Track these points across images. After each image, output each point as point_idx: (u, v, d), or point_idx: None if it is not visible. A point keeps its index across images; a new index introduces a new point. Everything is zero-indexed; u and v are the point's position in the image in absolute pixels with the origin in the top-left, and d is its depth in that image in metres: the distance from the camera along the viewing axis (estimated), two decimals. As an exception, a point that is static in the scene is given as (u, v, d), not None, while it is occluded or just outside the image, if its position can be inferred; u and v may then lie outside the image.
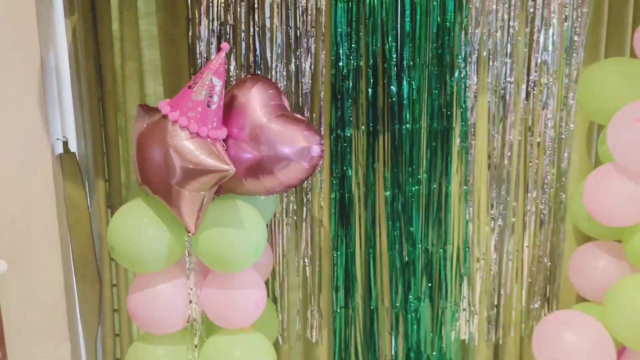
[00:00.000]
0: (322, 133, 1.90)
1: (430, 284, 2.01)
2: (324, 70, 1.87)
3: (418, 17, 1.83)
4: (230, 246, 1.48)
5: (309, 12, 1.81)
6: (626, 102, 1.57)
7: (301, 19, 1.82)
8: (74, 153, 2.00)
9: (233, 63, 1.85)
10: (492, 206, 1.96)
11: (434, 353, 2.05)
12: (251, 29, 1.83)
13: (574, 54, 1.87)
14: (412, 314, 2.02)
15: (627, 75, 1.62)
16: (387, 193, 1.95)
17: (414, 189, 1.94)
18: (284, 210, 1.97)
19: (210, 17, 1.81)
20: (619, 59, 1.74)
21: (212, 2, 1.82)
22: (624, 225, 1.65)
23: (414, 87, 1.87)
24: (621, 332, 1.61)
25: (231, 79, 1.84)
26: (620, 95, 1.60)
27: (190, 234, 1.48)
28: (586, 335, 1.63)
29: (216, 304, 1.57)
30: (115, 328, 2.14)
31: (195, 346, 1.60)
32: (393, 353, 2.07)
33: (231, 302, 1.56)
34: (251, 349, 1.59)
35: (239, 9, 1.82)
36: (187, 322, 1.58)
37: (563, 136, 1.92)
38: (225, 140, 1.49)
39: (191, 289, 1.56)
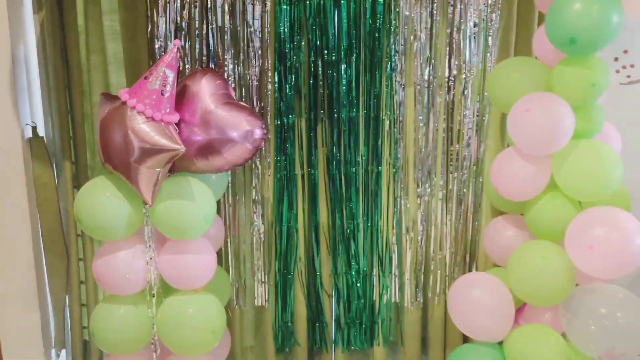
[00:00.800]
0: (268, 120, 2.13)
1: (365, 254, 2.26)
2: (269, 65, 2.10)
3: (352, 18, 2.07)
4: (182, 216, 1.69)
5: (256, 13, 2.03)
6: (523, 96, 1.84)
7: (249, 19, 2.04)
8: (42, 137, 2.16)
9: (188, 57, 2.06)
10: (418, 185, 2.22)
11: (370, 314, 2.31)
12: (204, 27, 2.04)
13: (488, 54, 2.14)
14: (350, 280, 2.27)
15: (525, 72, 1.88)
16: (327, 173, 2.19)
17: (351, 169, 2.19)
18: (236, 189, 2.19)
19: (168, 16, 2.02)
20: (520, 58, 2.01)
21: (169, 2, 2.02)
22: (523, 200, 1.93)
23: (349, 79, 2.11)
24: (519, 290, 1.89)
25: (187, 71, 2.05)
26: (519, 90, 1.86)
27: (147, 206, 1.69)
28: (490, 293, 1.90)
29: (172, 268, 1.79)
30: (82, 299, 2.32)
31: (153, 303, 1.81)
32: (334, 315, 2.32)
33: (185, 266, 1.78)
34: (203, 307, 1.80)
35: (193, 9, 2.03)
36: (147, 284, 1.80)
37: (479, 125, 2.19)
38: (178, 125, 1.70)
39: (149, 255, 1.77)
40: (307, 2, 2.03)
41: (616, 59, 1.76)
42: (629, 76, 1.79)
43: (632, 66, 1.76)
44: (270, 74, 2.10)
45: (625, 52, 1.74)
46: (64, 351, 2.40)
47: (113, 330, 1.79)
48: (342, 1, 2.04)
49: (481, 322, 1.91)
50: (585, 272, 1.78)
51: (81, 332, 2.33)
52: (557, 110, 1.75)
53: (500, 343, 1.95)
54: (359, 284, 2.28)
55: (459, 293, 1.94)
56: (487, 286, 1.92)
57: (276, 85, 2.10)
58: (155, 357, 1.85)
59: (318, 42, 2.08)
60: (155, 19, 2.02)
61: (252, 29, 2.03)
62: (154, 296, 1.80)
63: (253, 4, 2.01)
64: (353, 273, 2.27)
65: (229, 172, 2.11)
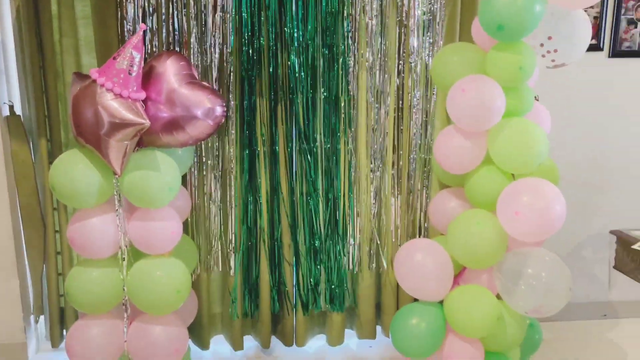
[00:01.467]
0: (231, 100, 2.28)
1: (324, 224, 2.44)
2: (233, 48, 2.25)
3: (311, 5, 2.23)
4: (148, 186, 1.84)
5: (219, 1, 2.18)
6: (462, 77, 2.02)
7: (212, 6, 2.18)
8: (19, 116, 2.29)
9: (155, 40, 2.20)
10: (371, 161, 2.40)
11: (328, 281, 2.49)
12: (171, 13, 2.18)
13: (435, 40, 2.32)
14: (310, 249, 2.45)
15: (463, 56, 2.06)
16: (289, 149, 2.36)
17: (310, 146, 2.36)
18: (203, 164, 2.35)
19: (136, 1, 2.15)
20: (460, 43, 2.19)
21: (138, -10, 2.16)
22: (462, 172, 2.12)
23: (307, 63, 2.27)
24: (457, 254, 2.08)
25: (154, 53, 2.20)
26: (458, 72, 2.03)
27: (117, 176, 1.85)
28: (431, 256, 2.09)
29: (141, 234, 1.94)
30: (58, 268, 2.46)
31: (124, 266, 1.97)
32: (294, 281, 2.50)
33: (152, 232, 1.93)
34: (169, 270, 1.96)
35: (161, -3, 2.17)
36: (118, 249, 1.95)
37: (427, 106, 2.38)
38: (145, 102, 1.84)
39: (119, 222, 1.92)
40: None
41: (542, 45, 1.95)
42: (553, 60, 1.99)
43: (555, 51, 1.95)
44: (233, 57, 2.25)
45: (550, 38, 1.93)
46: (42, 317, 2.55)
47: (87, 291, 1.93)
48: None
49: (423, 283, 2.10)
50: (514, 237, 1.98)
51: (58, 299, 2.47)
52: (489, 91, 1.93)
53: (441, 302, 2.15)
54: (317, 253, 2.46)
55: (404, 257, 2.13)
56: (429, 251, 2.11)
57: (239, 67, 2.26)
58: (126, 316, 2.01)
59: (278, 28, 2.23)
60: (124, 4, 2.16)
61: (216, 14, 2.18)
62: (124, 260, 1.96)
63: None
64: (312, 242, 2.45)
65: (195, 147, 2.27)
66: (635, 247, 1.64)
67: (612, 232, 1.81)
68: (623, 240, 1.71)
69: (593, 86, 2.63)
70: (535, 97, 2.41)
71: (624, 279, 2.54)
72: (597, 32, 2.57)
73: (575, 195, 2.69)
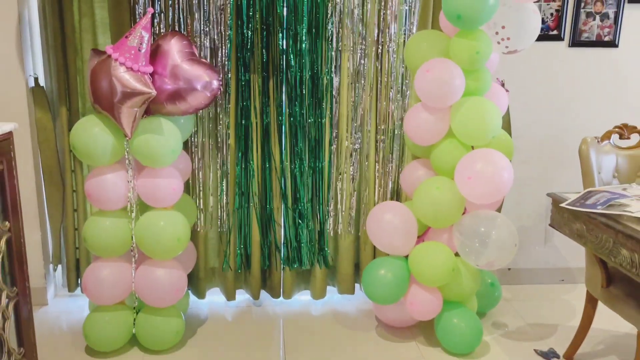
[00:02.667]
0: (229, 76, 2.57)
1: (309, 190, 2.74)
2: (231, 31, 2.53)
3: (299, -6, 2.51)
4: (154, 148, 2.14)
5: (219, -12, 2.47)
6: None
7: (213, -7, 2.47)
8: (42, 87, 2.59)
9: (163, 23, 2.49)
10: (352, 135, 2.69)
11: (312, 243, 2.79)
12: (177, -2, 2.48)
13: (411, 26, 2.59)
14: (296, 212, 2.75)
15: (431, 42, 2.34)
16: (279, 122, 2.64)
17: (297, 120, 2.65)
18: (203, 133, 2.65)
19: (147, -12, 2.44)
20: (428, 30, 2.46)
21: (148, -23, 2.45)
22: (429, 144, 2.40)
23: (294, 44, 2.55)
24: (421, 214, 2.37)
25: (161, 32, 2.49)
26: (426, 56, 2.32)
27: (127, 139, 2.15)
28: (398, 216, 2.39)
29: (147, 189, 2.24)
30: (75, 223, 2.77)
31: (133, 219, 2.27)
32: (283, 241, 2.80)
33: (157, 188, 2.23)
34: (171, 221, 2.26)
35: (167, -18, 2.46)
36: (128, 202, 2.26)
37: (403, 86, 2.66)
38: (152, 75, 2.13)
39: (129, 178, 2.23)
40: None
41: (497, 33, 2.22)
42: (507, 47, 2.26)
43: (508, 39, 2.22)
44: (232, 38, 2.53)
45: (503, 27, 2.20)
46: (59, 267, 2.87)
47: (101, 237, 2.24)
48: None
49: (391, 239, 2.40)
50: (468, 199, 2.27)
51: (75, 251, 2.78)
52: (450, 72, 2.21)
53: (407, 257, 2.45)
54: (303, 216, 2.75)
55: (375, 216, 2.42)
56: (396, 211, 2.41)
57: (236, 47, 2.54)
58: (134, 261, 2.32)
59: (270, 14, 2.52)
60: (136, -10, 2.45)
61: (218, 7, 2.47)
62: (133, 211, 2.27)
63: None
64: (298, 206, 2.75)
65: (196, 117, 2.56)
66: (562, 205, 1.92)
67: (548, 194, 2.08)
68: (555, 200, 1.99)
69: (555, 72, 2.90)
70: (502, 81, 2.70)
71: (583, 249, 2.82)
72: (558, 23, 2.82)
73: (536, 168, 2.97)
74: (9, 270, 1.44)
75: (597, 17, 2.84)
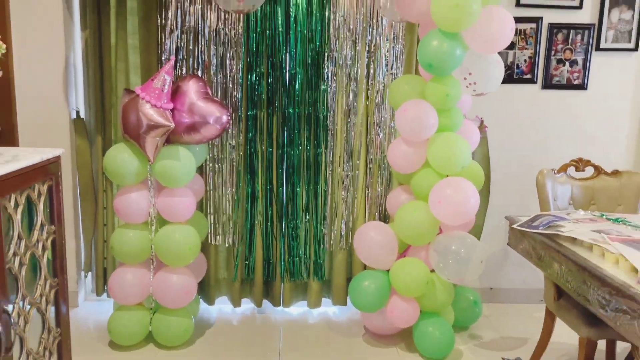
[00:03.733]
0: (240, 112, 2.96)
1: (308, 211, 3.08)
2: (242, 74, 2.94)
3: (300, 42, 2.91)
4: (172, 171, 2.53)
5: (233, 37, 2.88)
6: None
7: (228, 41, 2.89)
8: (83, 118, 3.02)
9: (184, 67, 2.91)
10: (345, 163, 3.04)
11: (309, 258, 3.12)
12: (197, 47, 2.89)
13: (397, 71, 2.96)
14: (295, 230, 3.09)
15: (411, 85, 2.68)
16: (281, 151, 3.02)
17: (296, 150, 3.01)
18: (215, 160, 3.03)
19: (171, 38, 2.87)
20: (409, 76, 2.81)
21: (173, 30, 2.88)
22: (408, 172, 2.73)
23: (296, 86, 2.94)
24: (401, 234, 2.69)
25: (180, 74, 2.91)
26: (406, 97, 2.67)
27: (150, 163, 2.54)
28: (381, 234, 2.70)
29: (165, 206, 2.61)
30: (104, 236, 3.16)
31: (153, 231, 2.65)
32: (283, 256, 3.14)
33: (174, 205, 2.60)
34: (185, 233, 2.62)
35: (189, 34, 2.89)
36: (149, 216, 2.64)
37: (388, 121, 3.01)
38: (172, 111, 2.53)
39: (151, 197, 2.61)
40: (267, 32, 2.88)
41: (465, 78, 2.56)
42: (474, 90, 2.60)
43: (475, 83, 2.56)
44: (242, 81, 2.94)
45: (470, 74, 2.54)
46: (90, 273, 3.26)
47: (125, 246, 2.61)
48: (291, 32, 2.89)
49: (374, 254, 2.72)
50: (441, 221, 2.58)
51: (103, 261, 3.16)
52: (425, 112, 2.55)
53: (388, 271, 2.75)
54: (301, 233, 3.10)
55: (361, 234, 2.75)
56: (380, 230, 2.73)
57: (245, 88, 2.94)
58: (152, 267, 2.69)
59: (276, 59, 2.92)
60: (163, 40, 2.88)
61: (230, 54, 2.89)
62: (153, 225, 2.64)
63: (230, 33, 2.87)
64: (297, 225, 3.09)
65: (211, 146, 2.95)
66: (514, 226, 2.21)
67: (506, 217, 2.37)
68: (510, 222, 2.29)
69: (529, 111, 3.21)
70: (481, 119, 3.04)
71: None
72: (531, 68, 3.15)
73: (514, 196, 3.26)
74: (52, 264, 1.81)
75: (567, 63, 3.16)
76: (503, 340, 2.93)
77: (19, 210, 1.57)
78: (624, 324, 1.54)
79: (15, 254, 1.55)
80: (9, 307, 1.51)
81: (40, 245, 1.72)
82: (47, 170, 1.74)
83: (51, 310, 1.83)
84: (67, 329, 1.91)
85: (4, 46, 1.65)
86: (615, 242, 1.81)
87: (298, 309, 3.23)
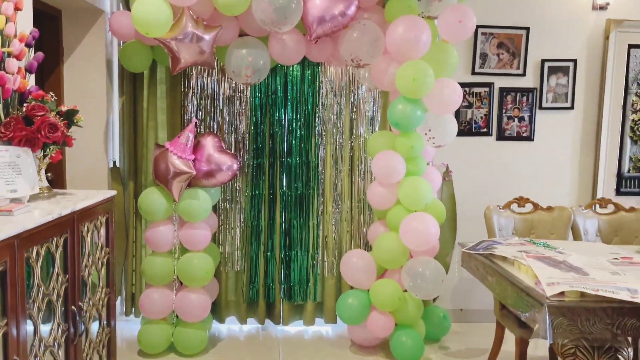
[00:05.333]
0: (247, 160, 3.58)
1: (303, 243, 3.65)
2: (249, 131, 3.58)
3: (295, 105, 3.55)
4: (193, 208, 3.11)
5: (241, 103, 3.54)
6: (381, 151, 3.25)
7: (237, 105, 3.54)
8: (118, 167, 3.64)
9: (203, 125, 3.56)
10: (333, 202, 3.63)
11: (305, 281, 3.66)
12: (213, 109, 3.55)
13: (375, 127, 3.59)
14: (293, 259, 3.65)
15: (385, 139, 3.30)
16: (281, 192, 3.62)
17: (293, 191, 3.61)
18: (227, 200, 3.63)
19: (192, 102, 3.53)
20: (382, 131, 3.43)
21: (194, 94, 3.54)
22: (384, 209, 3.31)
23: (292, 140, 3.57)
24: (378, 259, 3.25)
25: (201, 131, 3.54)
26: (381, 148, 3.27)
27: (175, 202, 3.14)
28: (362, 260, 3.26)
29: (186, 238, 3.20)
30: (132, 266, 3.72)
31: (176, 258, 3.22)
32: (281, 278, 3.68)
33: (194, 236, 3.18)
34: (202, 260, 3.18)
35: (207, 99, 3.54)
36: (173, 246, 3.21)
37: (368, 168, 3.61)
38: (194, 162, 3.15)
39: (175, 230, 3.19)
40: (269, 97, 3.53)
41: (426, 133, 3.18)
42: (434, 143, 3.21)
43: (434, 137, 3.17)
44: (249, 136, 3.57)
45: (429, 130, 3.16)
46: (119, 297, 3.80)
47: (153, 270, 3.18)
48: (288, 97, 3.54)
49: (357, 277, 3.27)
50: (409, 247, 3.14)
51: (131, 287, 3.71)
52: (394, 160, 3.15)
53: (368, 290, 3.29)
54: (297, 261, 3.65)
55: (346, 259, 3.31)
56: (360, 256, 3.29)
57: (252, 142, 3.58)
58: (175, 288, 3.24)
59: (274, 119, 3.56)
60: (186, 103, 3.54)
61: (239, 115, 3.54)
62: (176, 253, 3.22)
63: (239, 98, 3.53)
64: (294, 254, 3.65)
65: (223, 189, 3.55)
66: (463, 249, 2.76)
67: (459, 243, 2.91)
68: (462, 246, 2.84)
69: (486, 159, 3.82)
70: (447, 165, 3.64)
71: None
72: (487, 124, 3.78)
73: (477, 228, 3.80)
74: (106, 277, 2.37)
75: (516, 119, 3.79)
76: (468, 351, 3.43)
77: (89, 234, 2.16)
78: (528, 318, 2.08)
79: (86, 266, 2.12)
80: (81, 305, 2.07)
81: (99, 261, 2.30)
82: (106, 207, 2.34)
83: (105, 310, 2.39)
84: (114, 328, 2.46)
85: (82, 118, 2.28)
86: (530, 258, 2.37)
87: (295, 327, 3.75)
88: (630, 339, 2.24)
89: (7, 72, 2.03)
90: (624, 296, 1.92)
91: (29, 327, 1.67)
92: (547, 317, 1.91)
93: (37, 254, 1.71)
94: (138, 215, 3.57)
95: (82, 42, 3.44)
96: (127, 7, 3.33)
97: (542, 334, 1.91)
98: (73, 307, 1.98)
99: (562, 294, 1.97)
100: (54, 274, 1.84)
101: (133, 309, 3.71)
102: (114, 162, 3.62)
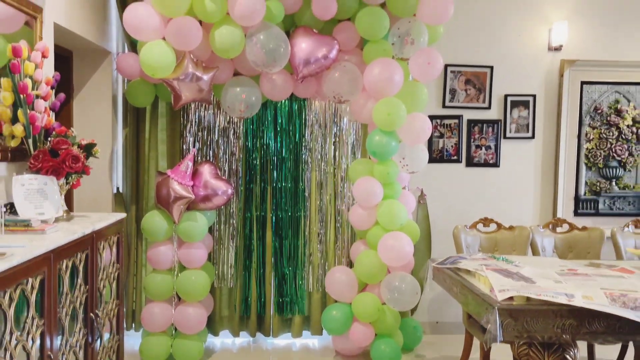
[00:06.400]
0: (240, 185, 3.90)
1: (291, 260, 3.95)
2: (242, 159, 3.91)
3: (284, 135, 3.90)
4: (191, 229, 3.41)
5: (234, 134, 3.88)
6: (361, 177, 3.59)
7: (231, 135, 3.88)
8: (122, 193, 3.94)
9: (200, 155, 3.88)
10: (319, 223, 3.95)
11: (293, 296, 3.95)
12: (210, 139, 3.88)
13: (356, 155, 3.94)
14: (282, 276, 3.95)
15: (364, 166, 3.64)
16: (271, 215, 3.93)
17: (282, 213, 3.93)
18: (221, 222, 3.93)
19: (190, 134, 3.86)
20: (362, 159, 3.78)
21: (192, 126, 3.87)
22: (364, 229, 3.64)
23: (282, 167, 3.91)
24: (359, 274, 3.56)
25: (199, 160, 3.86)
26: (360, 174, 3.62)
27: (175, 224, 3.44)
28: (345, 275, 3.57)
29: (185, 256, 3.49)
30: (133, 284, 3.98)
31: (175, 275, 3.50)
32: (272, 294, 3.97)
33: (191, 255, 3.47)
34: (198, 276, 3.46)
35: (204, 130, 3.88)
36: (172, 264, 3.50)
37: (350, 192, 3.95)
38: (192, 187, 3.46)
39: (174, 249, 3.48)
40: (260, 129, 3.88)
41: (400, 161, 3.53)
42: (408, 169, 3.56)
43: (407, 165, 3.52)
44: (242, 164, 3.90)
45: (403, 158, 3.51)
46: (121, 313, 4.04)
47: (154, 286, 3.45)
48: (278, 128, 3.89)
49: (340, 291, 3.57)
50: (386, 264, 3.46)
51: (132, 303, 3.96)
52: (371, 185, 3.49)
53: (351, 303, 3.59)
54: (286, 278, 3.95)
55: (330, 275, 3.61)
56: (343, 272, 3.60)
57: (244, 168, 3.90)
58: (174, 303, 3.51)
59: (265, 148, 3.90)
60: (185, 135, 3.87)
61: (233, 145, 3.87)
62: (175, 270, 3.50)
63: (234, 130, 3.87)
64: (283, 271, 3.95)
65: (218, 211, 3.86)
66: (433, 264, 3.09)
67: (430, 259, 3.24)
68: (432, 262, 3.16)
69: (457, 183, 4.18)
70: (421, 189, 3.98)
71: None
72: (457, 152, 4.15)
73: (451, 246, 4.15)
74: (116, 290, 2.65)
75: (483, 147, 4.17)
76: (442, 358, 3.72)
77: (105, 252, 2.45)
78: (484, 322, 2.40)
79: (101, 279, 2.41)
80: (98, 313, 2.35)
81: (111, 275, 2.59)
82: (117, 228, 2.64)
83: (115, 319, 2.67)
84: (122, 336, 2.73)
85: (99, 150, 2.59)
86: (488, 270, 2.70)
87: (285, 340, 4.02)
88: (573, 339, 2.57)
89: (36, 112, 2.35)
90: (562, 300, 2.25)
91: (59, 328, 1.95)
92: (498, 318, 2.23)
93: (66, 266, 2.01)
94: (139, 237, 3.86)
95: (91, 79, 3.77)
96: (132, 48, 3.68)
97: (493, 332, 2.23)
98: (92, 314, 2.26)
99: (511, 298, 2.30)
100: (77, 284, 2.14)
101: (133, 324, 3.96)
102: (118, 188, 3.92)
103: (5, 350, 1.55)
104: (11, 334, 1.58)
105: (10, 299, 1.58)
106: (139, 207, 3.91)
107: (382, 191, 3.50)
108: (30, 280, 1.69)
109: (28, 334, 1.70)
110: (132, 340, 3.85)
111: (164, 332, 3.54)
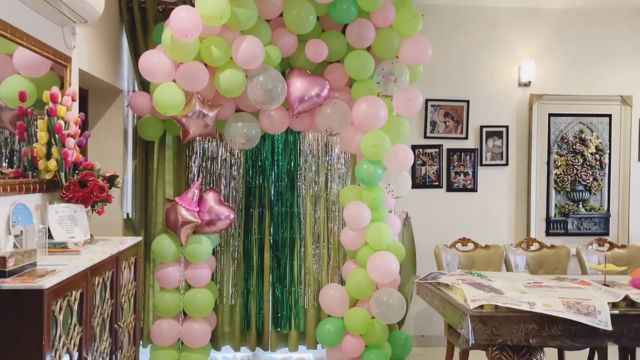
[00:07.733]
0: (241, 210, 4.22)
1: (288, 279, 4.25)
2: (242, 186, 4.24)
3: (280, 164, 4.25)
4: (197, 251, 3.72)
5: (235, 163, 4.22)
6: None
7: (233, 165, 4.22)
8: (131, 219, 4.24)
9: (205, 182, 4.22)
10: (313, 243, 4.27)
11: (289, 313, 4.24)
12: (213, 168, 4.22)
13: (346, 181, 4.29)
14: (279, 293, 4.24)
15: (354, 192, 3.98)
16: (269, 236, 4.25)
17: (280, 235, 4.25)
18: (223, 244, 4.24)
19: (196, 164, 4.20)
20: (352, 185, 4.13)
21: (197, 157, 4.21)
22: (354, 249, 3.96)
23: (278, 193, 4.25)
24: (351, 292, 3.86)
25: (204, 188, 4.19)
26: (350, 200, 3.96)
27: (182, 246, 3.74)
28: (337, 292, 3.87)
29: (191, 276, 3.78)
30: (142, 303, 4.25)
31: (182, 294, 3.79)
32: (270, 310, 4.25)
33: (197, 275, 3.77)
34: (203, 295, 3.75)
35: (208, 161, 4.22)
36: (180, 283, 3.79)
37: (340, 215, 4.29)
38: (198, 212, 3.78)
39: (181, 270, 3.78)
40: (259, 158, 4.23)
41: (386, 187, 3.88)
42: (393, 194, 3.91)
43: (393, 190, 3.87)
44: (242, 191, 4.24)
45: (389, 184, 3.86)
46: (129, 331, 4.30)
47: (163, 304, 3.74)
48: (275, 158, 4.24)
49: (333, 306, 3.87)
50: (375, 281, 3.77)
51: (140, 322, 4.23)
52: (360, 209, 3.83)
53: (343, 317, 3.89)
54: (283, 295, 4.25)
55: (324, 292, 3.92)
56: (336, 289, 3.91)
57: (245, 195, 4.24)
58: (181, 319, 3.79)
59: (263, 175, 4.24)
60: (190, 165, 4.21)
61: (234, 173, 4.22)
62: (182, 289, 3.79)
63: (235, 160, 4.22)
64: (280, 289, 4.25)
65: (220, 235, 4.18)
66: (416, 280, 3.41)
67: (413, 276, 3.56)
68: (416, 278, 3.49)
69: (439, 206, 4.53)
70: (406, 212, 4.32)
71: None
72: (438, 178, 4.52)
73: (428, 263, 4.48)
74: (134, 305, 2.94)
75: (462, 174, 4.54)
76: (427, 368, 4.02)
77: (125, 271, 2.76)
78: (459, 328, 2.72)
79: (122, 295, 2.71)
80: (120, 325, 2.64)
81: (130, 292, 2.89)
82: (135, 250, 2.95)
83: (131, 331, 2.95)
84: (138, 347, 3.01)
85: (120, 181, 2.92)
86: (464, 284, 3.03)
87: (282, 354, 4.29)
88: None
89: (68, 149, 2.68)
90: (525, 307, 2.59)
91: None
92: (470, 323, 2.55)
93: (98, 282, 2.31)
94: (147, 259, 4.15)
95: (104, 115, 4.11)
96: (143, 87, 4.03)
97: (466, 336, 2.55)
98: (116, 326, 2.56)
99: (482, 307, 2.63)
100: (105, 298, 2.44)
101: (141, 341, 4.22)
102: (127, 215, 4.23)
103: (56, 350, 1.85)
104: (60, 337, 1.89)
105: (60, 308, 1.88)
106: (148, 232, 4.21)
107: (370, 214, 3.84)
108: (73, 292, 2.00)
109: (71, 339, 2.00)
110: (142, 357, 4.10)
111: (171, 346, 3.81)
